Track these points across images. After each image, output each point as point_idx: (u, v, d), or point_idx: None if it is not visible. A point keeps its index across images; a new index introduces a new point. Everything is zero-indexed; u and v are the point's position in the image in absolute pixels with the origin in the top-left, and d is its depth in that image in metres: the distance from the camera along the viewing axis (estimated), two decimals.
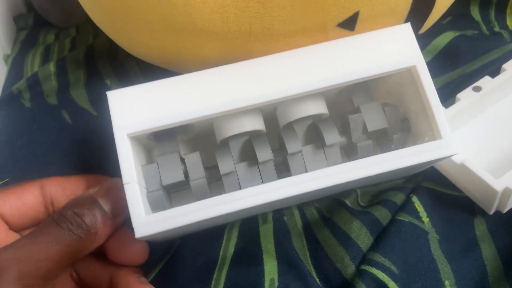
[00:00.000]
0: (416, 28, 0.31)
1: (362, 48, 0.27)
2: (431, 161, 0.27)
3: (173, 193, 0.30)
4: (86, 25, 0.39)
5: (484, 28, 0.40)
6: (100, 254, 0.27)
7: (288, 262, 0.28)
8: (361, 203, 0.31)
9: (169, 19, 0.26)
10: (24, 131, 0.34)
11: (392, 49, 0.27)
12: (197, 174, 0.27)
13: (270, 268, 0.28)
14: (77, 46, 0.39)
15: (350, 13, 0.27)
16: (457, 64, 0.36)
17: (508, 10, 0.40)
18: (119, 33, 0.30)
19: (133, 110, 0.26)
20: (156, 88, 0.26)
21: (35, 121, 0.35)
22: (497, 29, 0.40)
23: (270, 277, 0.27)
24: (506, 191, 0.28)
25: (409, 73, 0.28)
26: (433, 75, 0.36)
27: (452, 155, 0.27)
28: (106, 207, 0.25)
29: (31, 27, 0.40)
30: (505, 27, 0.40)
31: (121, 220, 0.26)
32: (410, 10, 0.29)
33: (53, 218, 0.23)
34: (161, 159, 0.27)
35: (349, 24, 0.27)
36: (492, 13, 0.41)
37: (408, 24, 0.28)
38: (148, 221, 0.24)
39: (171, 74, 0.38)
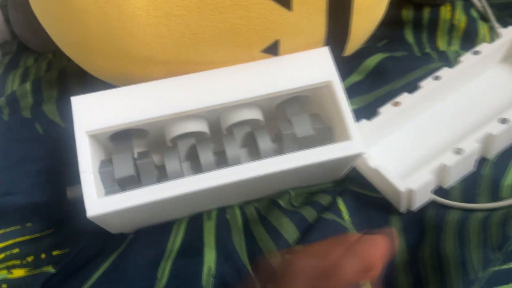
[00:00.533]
0: (338, 51, 0.36)
1: (287, 66, 0.33)
2: (344, 158, 0.31)
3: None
4: (61, 51, 0.45)
5: (416, 49, 0.44)
6: None
7: (225, 254, 0.32)
8: (294, 204, 0.35)
9: (119, 49, 0.31)
10: (1, 141, 0.39)
11: (312, 67, 0.32)
12: (148, 167, 0.31)
13: (209, 258, 0.32)
14: (52, 68, 0.44)
15: (271, 41, 0.32)
16: (385, 82, 0.40)
17: (439, 33, 0.45)
18: (83, 60, 0.35)
19: (93, 112, 0.30)
20: (114, 94, 0.31)
21: (11, 132, 0.40)
22: (427, 50, 0.44)
23: (208, 265, 0.31)
24: (409, 192, 0.32)
25: (327, 88, 0.33)
26: (364, 91, 0.41)
27: (359, 153, 0.31)
28: None
29: (15, 52, 0.46)
30: (435, 48, 0.44)
31: None
32: (327, 37, 0.34)
33: None
34: (115, 156, 0.31)
35: (272, 50, 0.32)
36: (424, 36, 0.45)
37: (326, 48, 0.33)
38: (99, 202, 0.28)
39: None
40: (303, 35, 0.32)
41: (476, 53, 0.38)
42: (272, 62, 0.33)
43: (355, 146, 0.31)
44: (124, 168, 0.30)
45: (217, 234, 0.33)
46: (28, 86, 0.41)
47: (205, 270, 0.31)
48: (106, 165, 0.31)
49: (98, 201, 0.28)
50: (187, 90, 0.31)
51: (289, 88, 0.32)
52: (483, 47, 0.39)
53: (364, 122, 0.35)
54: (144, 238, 0.34)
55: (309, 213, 0.34)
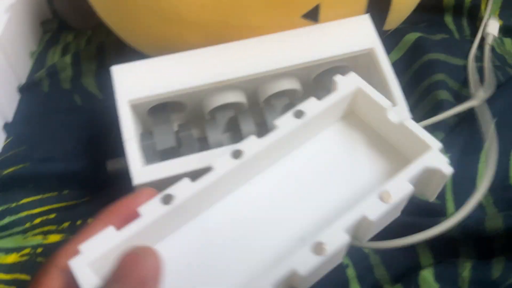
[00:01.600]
0: (379, 23, 0.35)
1: (327, 34, 0.32)
2: None
3: None
4: (100, 27, 0.45)
5: (456, 34, 0.43)
6: None
7: None
8: None
9: (158, 11, 0.31)
10: (42, 111, 0.40)
11: (353, 35, 0.32)
12: (189, 139, 0.31)
13: None
14: (91, 43, 0.44)
15: (312, 6, 0.31)
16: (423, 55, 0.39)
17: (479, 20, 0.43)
18: (122, 27, 0.35)
19: (134, 82, 0.30)
20: (154, 64, 0.31)
21: (51, 103, 0.40)
22: (468, 36, 0.43)
23: None
24: None
25: (369, 57, 0.32)
26: (403, 69, 0.40)
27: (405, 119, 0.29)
28: None
29: (55, 30, 0.47)
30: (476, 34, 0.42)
31: None
32: (368, 7, 0.33)
33: None
34: (156, 128, 0.31)
35: (313, 15, 0.32)
36: (465, 22, 0.44)
37: (367, 15, 0.32)
38: (145, 170, 0.28)
39: None
40: (344, 2, 0.32)
41: (299, 115, 0.25)
42: (311, 30, 0.32)
43: (402, 112, 0.30)
44: (166, 139, 0.30)
45: None
46: (68, 58, 0.42)
47: None
48: (147, 138, 0.30)
49: (143, 169, 0.28)
50: (225, 59, 0.31)
51: (330, 55, 0.31)
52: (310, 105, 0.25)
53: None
54: None
55: None
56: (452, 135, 0.35)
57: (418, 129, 0.24)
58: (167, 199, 0.21)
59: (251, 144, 0.23)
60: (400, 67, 0.40)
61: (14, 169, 0.36)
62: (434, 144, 0.23)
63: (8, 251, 0.32)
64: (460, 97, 0.38)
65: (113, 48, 0.43)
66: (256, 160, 0.24)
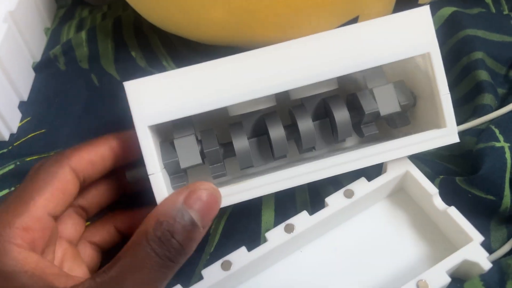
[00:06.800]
0: None
1: (378, 32, 0.26)
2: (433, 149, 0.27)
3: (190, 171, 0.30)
4: (116, 2, 0.44)
5: (493, 9, 0.40)
6: None
7: (284, 215, 0.30)
8: None
9: None
10: (60, 90, 0.38)
11: (408, 34, 0.26)
12: (214, 154, 0.27)
13: (268, 220, 0.30)
14: (107, 19, 0.42)
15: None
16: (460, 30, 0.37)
17: None
18: (139, 1, 0.34)
19: (152, 101, 0.25)
20: (171, 78, 0.25)
21: (69, 82, 0.39)
22: (506, 11, 0.40)
23: (266, 227, 0.29)
24: None
25: (422, 57, 0.27)
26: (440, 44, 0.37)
27: (454, 142, 0.27)
28: (196, 217, 0.23)
29: (70, 5, 0.45)
30: None
31: (207, 229, 0.24)
32: None
33: (146, 241, 0.22)
34: (178, 141, 0.27)
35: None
36: None
37: (427, 7, 0.27)
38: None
39: (190, 47, 0.41)
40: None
41: (349, 195, 0.27)
42: (356, 28, 0.26)
43: (451, 135, 0.27)
44: (189, 157, 0.27)
45: (277, 194, 0.31)
46: (83, 35, 0.40)
47: (263, 231, 0.30)
48: (168, 154, 0.27)
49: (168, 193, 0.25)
50: (257, 69, 0.26)
51: (380, 63, 0.26)
52: (360, 186, 0.28)
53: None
54: None
55: None
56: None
57: (461, 220, 0.26)
58: (226, 266, 0.25)
59: (302, 220, 0.26)
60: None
61: (37, 158, 0.34)
62: (476, 236, 0.25)
63: None
64: (498, 77, 0.35)
65: (131, 25, 0.41)
66: (306, 233, 0.26)
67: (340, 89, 0.28)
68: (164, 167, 0.26)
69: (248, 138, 0.28)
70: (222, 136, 0.29)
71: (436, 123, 0.27)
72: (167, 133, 0.28)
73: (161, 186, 0.25)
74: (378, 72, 0.28)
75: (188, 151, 0.27)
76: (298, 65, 0.26)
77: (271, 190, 0.26)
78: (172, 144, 0.27)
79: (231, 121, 0.28)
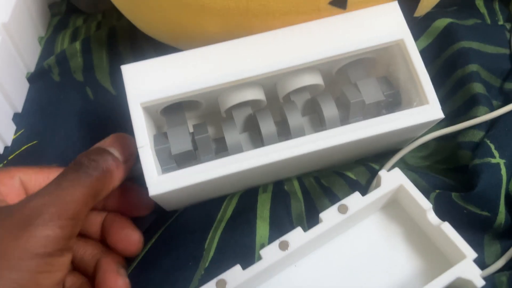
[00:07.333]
0: (410, 9, 0.33)
1: (353, 24, 0.29)
2: (419, 125, 0.28)
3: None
4: (111, 11, 0.43)
5: (488, 19, 0.40)
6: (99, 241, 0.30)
7: (279, 228, 0.30)
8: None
9: None
10: (53, 101, 0.38)
11: (381, 25, 0.29)
12: (205, 142, 0.29)
13: (262, 233, 0.30)
14: (101, 28, 0.42)
15: None
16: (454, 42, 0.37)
17: None
18: (135, 13, 0.33)
19: (146, 82, 0.28)
20: (166, 62, 0.28)
21: (63, 93, 0.38)
22: (501, 21, 0.40)
23: (261, 242, 0.29)
24: None
25: (398, 47, 0.30)
26: (433, 56, 0.38)
27: (439, 119, 0.28)
28: (116, 153, 0.28)
29: (64, 14, 0.45)
30: (510, 19, 0.40)
31: (130, 165, 0.28)
32: None
33: (71, 167, 0.26)
34: (171, 130, 0.29)
35: (340, 3, 0.29)
36: (497, 6, 0.41)
37: (396, 2, 0.30)
38: (160, 180, 0.26)
39: None
40: None
41: (343, 210, 0.27)
42: (335, 20, 0.30)
43: (434, 110, 0.28)
44: (181, 143, 0.28)
45: (272, 207, 0.31)
46: (77, 45, 0.40)
47: (257, 247, 0.29)
48: (160, 141, 0.29)
49: (159, 178, 0.26)
50: (243, 55, 0.29)
51: (357, 48, 0.29)
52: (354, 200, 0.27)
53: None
54: (193, 211, 0.32)
55: None
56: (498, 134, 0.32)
57: (455, 236, 0.26)
58: (221, 285, 0.25)
59: (297, 237, 0.26)
60: (429, 55, 0.38)
61: None
62: (469, 253, 0.25)
63: None
64: (493, 90, 0.35)
65: (125, 34, 0.41)
66: (301, 249, 0.27)
67: (329, 91, 0.30)
68: (156, 154, 0.28)
69: (240, 133, 0.30)
70: (215, 134, 0.31)
71: (420, 102, 0.29)
72: (162, 127, 0.32)
73: (149, 159, 0.26)
74: (360, 68, 0.31)
75: (180, 139, 0.28)
76: (282, 50, 0.29)
77: (261, 162, 0.27)
78: (165, 134, 0.29)
79: (224, 119, 0.30)
